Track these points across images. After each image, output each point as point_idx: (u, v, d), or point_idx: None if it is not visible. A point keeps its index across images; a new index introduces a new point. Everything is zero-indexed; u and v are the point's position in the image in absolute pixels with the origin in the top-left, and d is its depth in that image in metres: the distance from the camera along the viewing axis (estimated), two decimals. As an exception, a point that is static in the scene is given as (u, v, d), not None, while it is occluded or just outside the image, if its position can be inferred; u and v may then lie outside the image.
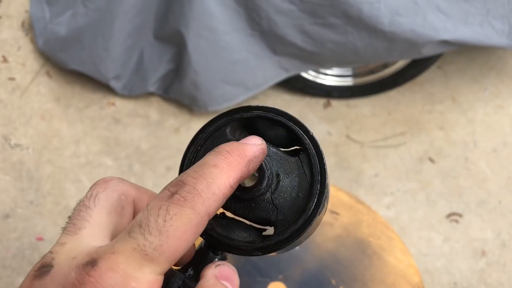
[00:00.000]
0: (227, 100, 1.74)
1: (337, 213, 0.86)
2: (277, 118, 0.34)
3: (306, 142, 0.33)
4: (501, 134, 1.80)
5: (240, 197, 0.33)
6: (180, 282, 0.31)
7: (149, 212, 0.26)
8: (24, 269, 1.54)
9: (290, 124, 0.34)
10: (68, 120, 1.80)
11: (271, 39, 1.59)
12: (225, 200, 0.29)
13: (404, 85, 1.85)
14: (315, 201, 0.32)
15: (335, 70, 1.83)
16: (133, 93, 1.80)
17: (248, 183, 0.33)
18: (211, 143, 0.35)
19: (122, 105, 1.83)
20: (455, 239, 1.62)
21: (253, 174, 0.33)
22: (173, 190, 0.26)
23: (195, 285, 0.31)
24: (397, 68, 1.79)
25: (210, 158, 0.29)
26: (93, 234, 0.28)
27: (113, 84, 1.75)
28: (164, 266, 0.26)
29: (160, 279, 0.26)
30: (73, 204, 1.46)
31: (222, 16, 1.52)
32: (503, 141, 1.78)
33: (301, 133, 0.34)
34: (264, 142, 0.32)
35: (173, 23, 1.58)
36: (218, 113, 0.35)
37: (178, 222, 0.25)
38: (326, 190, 0.33)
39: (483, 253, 1.60)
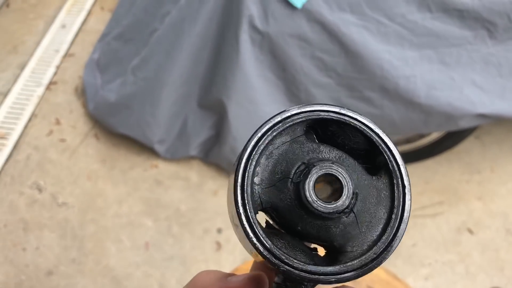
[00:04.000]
0: (265, 166, 1.78)
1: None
2: (359, 127, 0.31)
3: (390, 160, 0.30)
4: (543, 206, 1.76)
5: (317, 211, 0.29)
6: None
7: None
8: (63, 327, 1.57)
9: (375, 137, 0.30)
10: (113, 181, 1.88)
11: (309, 110, 1.65)
12: None
13: (441, 155, 1.85)
14: (396, 227, 0.29)
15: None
16: (176, 156, 1.88)
17: (324, 194, 0.30)
18: (278, 141, 0.31)
19: (164, 168, 1.91)
20: (498, 316, 1.56)
21: (329, 186, 0.30)
22: None
23: None
24: (434, 138, 1.80)
25: None
26: None
27: (157, 147, 1.84)
28: None
29: None
30: (113, 263, 1.51)
31: (262, 88, 1.60)
32: (545, 214, 1.74)
33: (385, 147, 0.29)
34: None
35: (216, 93, 1.67)
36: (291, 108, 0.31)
37: None
38: (406, 214, 0.30)
39: (528, 332, 1.53)
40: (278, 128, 0.31)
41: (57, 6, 2.63)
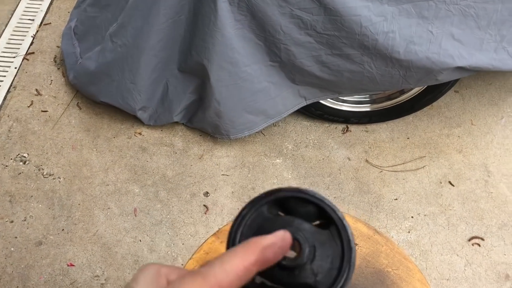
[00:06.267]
0: (248, 128, 1.80)
1: (355, 244, 0.90)
2: (309, 198, 0.40)
3: (336, 217, 0.40)
4: (521, 156, 1.81)
5: (286, 266, 0.38)
6: None
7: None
8: (56, 294, 1.60)
9: (322, 203, 0.40)
10: (98, 150, 1.88)
11: (290, 69, 1.65)
12: (243, 280, 0.34)
13: (422, 110, 1.88)
14: (348, 267, 0.38)
15: (352, 97, 1.88)
16: (159, 123, 1.87)
17: (292, 255, 0.39)
18: (253, 220, 0.41)
19: (148, 135, 1.91)
20: (478, 263, 1.62)
21: (295, 248, 0.39)
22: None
23: None
24: (414, 94, 1.82)
25: (232, 248, 0.37)
26: None
27: (140, 115, 1.83)
28: None
29: None
30: (102, 230, 1.53)
31: (243, 49, 1.59)
32: (523, 164, 1.79)
33: (331, 209, 0.40)
34: (286, 232, 0.38)
35: (196, 57, 1.66)
36: (257, 195, 0.42)
37: (188, 285, 0.32)
38: (354, 256, 0.39)
39: (507, 277, 1.60)
40: (249, 213, 0.41)
41: (29, -26, 2.55)
